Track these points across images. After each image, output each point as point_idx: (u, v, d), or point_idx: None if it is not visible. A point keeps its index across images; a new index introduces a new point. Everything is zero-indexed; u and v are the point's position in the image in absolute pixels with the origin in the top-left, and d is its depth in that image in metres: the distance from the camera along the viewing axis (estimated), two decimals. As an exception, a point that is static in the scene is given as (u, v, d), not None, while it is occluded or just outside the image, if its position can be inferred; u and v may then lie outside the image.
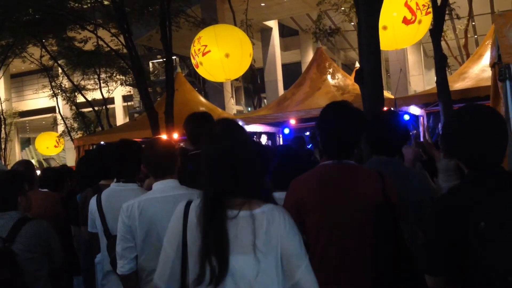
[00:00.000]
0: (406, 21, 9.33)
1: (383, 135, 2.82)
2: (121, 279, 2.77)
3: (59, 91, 19.98)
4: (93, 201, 3.15)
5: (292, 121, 11.48)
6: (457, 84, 9.77)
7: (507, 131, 1.85)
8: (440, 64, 8.23)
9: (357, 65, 14.39)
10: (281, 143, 13.05)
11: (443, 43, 8.87)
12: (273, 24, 23.11)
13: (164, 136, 10.92)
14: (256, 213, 1.80)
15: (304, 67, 23.38)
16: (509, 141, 2.98)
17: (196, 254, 1.82)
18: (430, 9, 9.09)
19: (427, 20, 9.41)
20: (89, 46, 16.66)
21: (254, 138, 12.30)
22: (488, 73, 8.23)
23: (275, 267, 1.77)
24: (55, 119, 23.95)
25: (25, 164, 4.41)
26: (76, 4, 13.46)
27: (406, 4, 9.24)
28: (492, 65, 4.02)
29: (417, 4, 9.40)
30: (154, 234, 2.67)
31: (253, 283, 1.74)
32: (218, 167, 1.84)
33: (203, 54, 11.31)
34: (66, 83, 20.14)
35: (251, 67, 13.87)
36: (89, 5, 13.75)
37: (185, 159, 3.16)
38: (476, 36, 24.22)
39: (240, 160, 1.84)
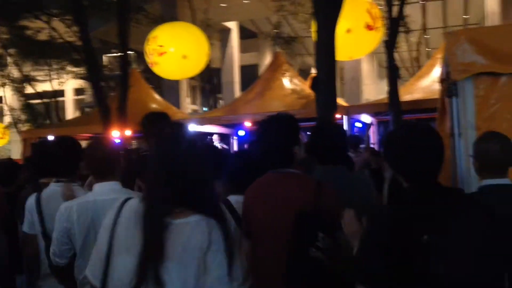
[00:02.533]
0: (369, 27, 9.51)
1: (325, 145, 2.93)
2: (58, 270, 2.72)
3: (7, 80, 19.25)
4: (31, 201, 3.02)
5: (247, 124, 11.51)
6: (407, 95, 10.07)
7: (443, 147, 1.92)
8: (392, 74, 8.47)
9: (313, 71, 14.60)
10: (236, 145, 13.07)
11: (395, 54, 9.11)
12: (232, 25, 23.12)
13: (115, 133, 10.73)
14: (181, 222, 1.81)
15: (261, 70, 23.51)
16: (456, 155, 3.09)
17: (123, 249, 1.83)
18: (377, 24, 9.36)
19: (381, 30, 9.64)
20: (42, 37, 16.13)
21: (208, 140, 12.27)
22: (438, 86, 8.52)
23: (196, 277, 1.78)
24: (1, 109, 23.09)
25: None
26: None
27: (368, 11, 9.40)
28: (441, 81, 4.17)
29: (376, 14, 9.62)
30: (92, 237, 2.59)
31: None
32: (162, 173, 1.84)
33: (160, 54, 11.15)
34: (15, 73, 19.43)
35: (208, 67, 13.82)
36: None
37: (131, 160, 3.11)
38: (428, 49, 25.04)
39: (185, 168, 1.85)
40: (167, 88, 18.99)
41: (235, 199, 2.78)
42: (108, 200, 2.58)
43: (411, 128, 1.99)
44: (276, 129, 2.55)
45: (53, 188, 3.03)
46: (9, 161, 5.38)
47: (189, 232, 1.80)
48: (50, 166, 3.05)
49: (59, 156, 3.03)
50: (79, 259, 2.64)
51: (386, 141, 2.04)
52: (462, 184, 3.39)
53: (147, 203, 1.86)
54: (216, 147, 7.90)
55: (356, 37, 9.36)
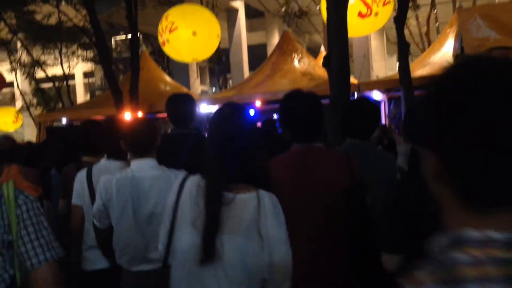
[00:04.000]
0: (361, 15, 9.48)
1: (357, 121, 2.99)
2: (100, 232, 2.88)
3: (18, 65, 19.37)
4: (82, 175, 3.19)
5: (258, 103, 11.57)
6: (418, 71, 10.05)
7: None
8: (403, 51, 8.45)
9: (322, 48, 14.56)
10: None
11: (405, 30, 9.09)
12: (239, 4, 22.97)
13: (128, 115, 10.84)
14: (246, 198, 1.91)
15: (269, 49, 23.38)
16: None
17: (186, 224, 1.93)
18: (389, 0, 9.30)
19: (385, 11, 9.57)
20: (52, 21, 16.18)
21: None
22: (449, 61, 8.52)
23: (260, 249, 1.87)
24: (13, 94, 23.29)
25: (6, 140, 4.37)
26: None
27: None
28: (455, 57, 4.21)
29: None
30: (130, 212, 2.74)
31: (240, 262, 1.85)
32: (223, 150, 1.93)
33: (170, 31, 11.18)
34: (25, 58, 19.53)
35: (217, 48, 13.82)
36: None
37: (164, 139, 3.23)
38: (437, 24, 24.76)
39: (245, 145, 1.94)
40: (177, 70, 19.03)
41: None
42: (146, 177, 2.73)
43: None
44: (307, 103, 2.57)
45: (104, 164, 3.23)
46: (33, 144, 5.52)
47: (250, 205, 1.91)
48: (97, 145, 3.20)
49: (108, 135, 3.18)
50: (116, 231, 2.77)
51: (405, 116, 2.13)
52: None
53: (209, 178, 1.96)
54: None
55: (350, 25, 9.39)
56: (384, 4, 9.43)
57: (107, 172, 3.08)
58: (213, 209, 1.88)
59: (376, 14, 9.59)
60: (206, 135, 2.09)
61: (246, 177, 1.96)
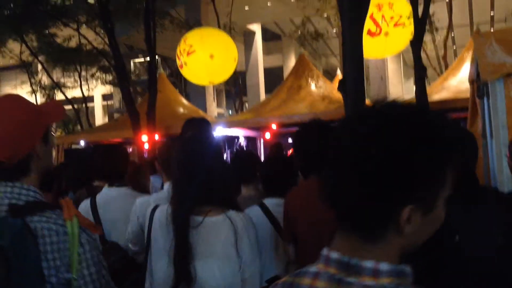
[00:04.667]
0: (370, 33, 9.49)
1: None
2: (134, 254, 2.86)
3: (38, 87, 19.74)
4: (85, 204, 3.11)
5: (274, 126, 11.57)
6: (435, 95, 9.99)
7: (476, 147, 1.98)
8: (420, 75, 8.40)
9: (338, 72, 14.57)
10: (262, 147, 13.15)
11: (422, 54, 9.06)
12: (256, 28, 23.20)
13: (145, 137, 10.92)
14: (216, 220, 1.92)
15: (286, 72, 23.51)
16: (489, 155, 3.09)
17: (159, 254, 1.96)
18: (402, 21, 9.30)
19: (396, 32, 9.55)
20: (72, 44, 16.53)
21: (236, 143, 12.40)
22: (466, 85, 8.45)
23: (238, 269, 1.90)
24: (33, 115, 23.62)
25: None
26: (58, 1, 13.35)
27: (371, 17, 9.37)
28: (471, 82, 4.18)
29: (383, 17, 9.57)
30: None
31: (217, 284, 1.87)
32: (186, 175, 1.96)
33: (188, 54, 11.32)
34: (45, 80, 19.91)
35: (234, 71, 13.95)
36: (71, 1, 13.66)
37: None
38: (455, 47, 24.70)
39: (210, 167, 1.96)
40: (194, 92, 19.20)
41: (272, 202, 2.86)
42: None
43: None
44: (319, 134, 2.55)
45: (107, 192, 3.13)
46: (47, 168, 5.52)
47: (221, 228, 1.92)
48: (109, 172, 3.17)
49: (113, 162, 3.16)
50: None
51: None
52: (495, 183, 3.40)
53: (174, 203, 1.98)
54: (251, 152, 7.99)
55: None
56: (396, 25, 9.41)
57: (112, 202, 3.03)
58: (180, 233, 1.89)
59: (386, 34, 9.57)
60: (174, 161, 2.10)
61: (212, 200, 1.98)
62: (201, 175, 1.95)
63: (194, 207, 1.93)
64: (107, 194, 3.12)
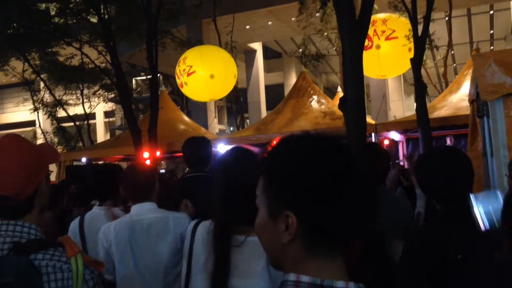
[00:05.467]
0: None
1: (368, 166, 2.95)
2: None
3: (40, 105, 19.83)
4: (75, 224, 3.15)
5: (275, 142, 11.59)
6: (436, 112, 10.05)
7: (472, 169, 2.02)
8: (420, 92, 8.47)
9: (339, 88, 14.66)
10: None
11: (422, 71, 9.14)
12: (257, 46, 23.39)
13: (146, 155, 10.95)
14: (257, 240, 1.92)
15: (287, 89, 23.64)
16: (490, 174, 3.10)
17: (199, 270, 1.97)
18: (395, 35, 9.40)
19: (388, 46, 9.66)
20: (74, 62, 16.65)
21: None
22: (466, 102, 8.51)
23: None
24: (35, 133, 23.77)
25: None
26: (61, 20, 13.48)
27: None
28: (471, 102, 4.22)
29: (375, 31, 9.70)
30: (129, 256, 2.72)
31: None
32: (229, 194, 1.95)
33: (188, 75, 11.42)
34: (48, 97, 20.01)
35: (235, 87, 14.03)
36: (74, 21, 13.79)
37: (164, 185, 3.22)
38: (455, 65, 24.84)
39: (251, 188, 1.97)
40: (195, 109, 19.28)
41: None
42: (144, 220, 2.73)
43: (440, 153, 2.10)
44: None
45: (96, 211, 3.17)
46: (53, 185, 5.55)
47: (261, 248, 1.92)
48: (100, 191, 3.19)
49: (102, 181, 3.18)
50: (119, 275, 2.75)
51: (417, 166, 2.15)
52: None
53: (216, 221, 1.99)
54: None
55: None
56: (388, 38, 9.50)
57: (97, 221, 3.06)
58: (221, 251, 1.90)
59: (378, 47, 9.67)
60: (213, 179, 2.11)
61: (253, 219, 1.98)
62: (243, 194, 1.96)
63: (236, 227, 1.94)
64: (94, 213, 3.16)
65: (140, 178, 2.86)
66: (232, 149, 2.17)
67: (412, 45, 9.55)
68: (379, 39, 9.62)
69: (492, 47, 23.78)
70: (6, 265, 1.41)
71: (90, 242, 3.04)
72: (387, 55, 9.89)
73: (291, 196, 0.97)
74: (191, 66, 11.36)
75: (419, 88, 8.44)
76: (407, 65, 10.05)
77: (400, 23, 9.68)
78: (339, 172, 0.95)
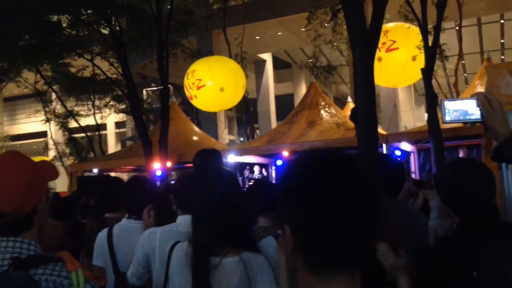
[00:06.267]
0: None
1: (382, 178, 2.90)
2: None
3: (52, 116, 19.99)
4: (103, 235, 3.14)
5: (285, 153, 11.60)
6: (447, 122, 9.97)
7: (494, 184, 1.98)
8: (431, 102, 8.44)
9: (349, 99, 14.64)
10: (274, 174, 13.15)
11: (433, 81, 9.10)
12: (267, 56, 23.47)
13: (157, 165, 10.97)
14: (232, 261, 1.94)
15: (296, 99, 23.66)
16: (505, 187, 3.07)
17: None
18: (395, 46, 9.38)
19: (389, 58, 9.63)
20: (86, 73, 16.81)
21: (247, 170, 12.41)
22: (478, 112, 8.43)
23: None
24: (46, 144, 23.94)
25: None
26: (73, 32, 13.63)
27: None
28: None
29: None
30: None
31: None
32: (207, 216, 1.98)
33: (198, 88, 11.49)
34: (59, 109, 20.18)
35: (245, 98, 14.07)
36: (86, 32, 13.93)
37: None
38: (465, 74, 24.72)
39: (229, 211, 1.99)
40: (205, 120, 19.34)
41: None
42: (189, 232, 2.72)
43: (463, 165, 2.06)
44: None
45: (125, 224, 3.15)
46: (66, 197, 5.58)
47: (236, 270, 1.93)
48: (129, 204, 3.19)
49: (135, 194, 3.17)
50: (157, 285, 2.74)
51: (438, 177, 2.11)
52: (511, 214, 3.37)
53: (194, 244, 2.00)
54: (267, 182, 7.98)
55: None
56: (388, 50, 9.46)
57: (127, 234, 3.05)
58: (199, 275, 1.91)
59: (380, 59, 9.63)
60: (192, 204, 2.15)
61: (229, 240, 2.00)
62: (215, 217, 1.99)
63: (212, 249, 1.95)
64: (124, 226, 3.14)
65: (190, 188, 2.85)
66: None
67: (416, 53, 9.57)
68: (379, 51, 9.60)
69: (503, 57, 23.65)
70: (5, 281, 1.41)
71: (120, 255, 3.02)
72: (389, 67, 9.86)
73: (284, 210, 1.01)
74: (200, 80, 11.42)
75: (430, 98, 8.40)
76: (415, 75, 10.04)
77: (400, 33, 9.65)
78: (328, 188, 0.96)
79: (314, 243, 0.96)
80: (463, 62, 19.44)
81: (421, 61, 9.37)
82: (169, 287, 2.07)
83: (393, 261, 1.97)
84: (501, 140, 1.52)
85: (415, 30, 9.68)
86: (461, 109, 1.62)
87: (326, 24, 11.75)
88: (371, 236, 0.99)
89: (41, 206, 1.61)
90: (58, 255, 1.57)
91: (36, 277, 1.46)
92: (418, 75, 9.86)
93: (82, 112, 19.66)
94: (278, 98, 24.85)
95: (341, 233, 0.95)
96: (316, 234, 0.96)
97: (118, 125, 30.17)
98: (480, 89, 9.39)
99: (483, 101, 1.57)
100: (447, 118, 1.62)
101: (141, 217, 3.13)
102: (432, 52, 8.53)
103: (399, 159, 10.38)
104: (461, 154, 10.29)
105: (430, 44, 8.52)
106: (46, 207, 1.66)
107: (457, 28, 16.22)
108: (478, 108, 1.60)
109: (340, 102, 24.54)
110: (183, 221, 2.79)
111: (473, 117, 1.61)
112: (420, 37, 8.98)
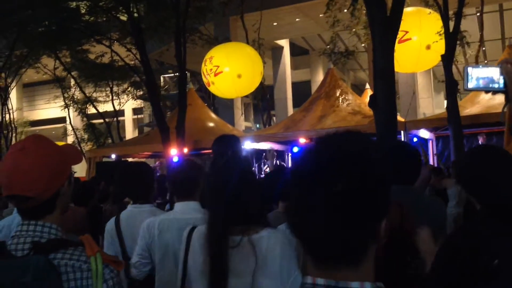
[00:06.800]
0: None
1: (399, 165, 2.87)
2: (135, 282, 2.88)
3: (71, 102, 20.20)
4: (110, 224, 3.17)
5: (302, 140, 11.57)
6: (467, 109, 9.86)
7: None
8: (451, 89, 8.34)
9: (367, 86, 14.51)
10: (291, 161, 13.14)
11: (453, 68, 8.98)
12: (284, 43, 23.31)
13: (174, 151, 11.04)
14: (255, 238, 1.94)
15: (314, 86, 23.52)
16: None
17: (197, 276, 2.01)
18: (408, 36, 9.23)
19: (401, 48, 9.41)
20: (104, 60, 16.91)
21: (263, 157, 12.42)
22: (498, 100, 8.31)
23: (280, 285, 1.92)
24: (65, 129, 24.23)
25: None
26: (91, 18, 13.69)
27: None
28: (507, 100, 4.11)
29: None
30: (171, 255, 2.74)
31: None
32: (221, 196, 1.99)
33: (215, 75, 11.47)
34: (78, 95, 20.37)
35: (262, 84, 14.02)
36: (104, 19, 13.99)
37: None
38: (486, 61, 24.30)
39: (243, 190, 2.00)
40: (222, 106, 19.35)
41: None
42: (190, 219, 2.73)
43: (485, 152, 2.04)
44: None
45: (131, 210, 3.18)
46: (86, 182, 5.65)
47: (262, 246, 1.93)
48: (132, 190, 3.22)
49: (140, 180, 3.20)
50: (159, 272, 2.78)
51: (459, 166, 2.09)
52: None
53: (209, 225, 2.02)
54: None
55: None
56: (401, 41, 9.25)
57: (133, 219, 3.08)
58: (214, 253, 1.93)
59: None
60: (205, 184, 2.17)
61: (248, 220, 2.01)
62: (229, 197, 2.00)
63: (228, 228, 1.96)
64: (130, 212, 3.17)
65: (185, 175, 2.88)
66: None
67: (430, 42, 9.41)
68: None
69: (525, 43, 23.17)
70: (24, 264, 1.42)
71: (128, 240, 3.04)
72: (404, 57, 9.69)
73: None
74: (218, 66, 11.40)
75: (450, 85, 8.30)
76: (431, 61, 9.90)
77: (412, 23, 9.45)
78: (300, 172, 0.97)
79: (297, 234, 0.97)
80: (483, 48, 19.08)
81: (437, 49, 9.23)
82: (191, 270, 2.08)
83: (428, 246, 1.97)
84: None
85: (427, 18, 9.52)
86: (485, 76, 1.56)
87: (345, 10, 11.61)
88: (362, 227, 0.93)
89: (63, 190, 1.61)
90: (79, 239, 1.57)
91: (55, 261, 1.47)
92: (435, 61, 9.73)
93: (100, 98, 19.85)
94: (295, 85, 24.71)
95: (319, 224, 0.92)
96: (295, 222, 0.96)
97: (136, 111, 30.34)
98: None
99: (507, 69, 1.50)
100: (470, 85, 1.56)
101: (148, 201, 3.17)
102: (453, 38, 8.40)
103: (415, 146, 10.29)
104: (480, 141, 10.18)
105: (450, 30, 8.39)
106: (69, 191, 1.66)
107: (478, 14, 15.90)
108: (501, 77, 1.53)
109: (358, 89, 24.33)
110: (182, 208, 2.82)
111: (496, 85, 1.54)
112: (434, 25, 8.85)
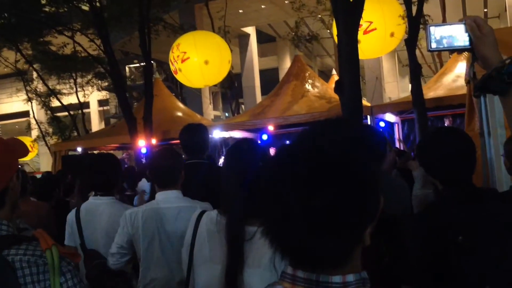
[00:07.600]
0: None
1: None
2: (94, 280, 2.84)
3: (33, 95, 19.70)
4: (71, 215, 3.14)
5: (271, 128, 11.60)
6: (431, 92, 10.04)
7: (474, 150, 2.02)
8: (415, 73, 8.47)
9: (334, 71, 14.62)
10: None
11: (417, 51, 9.11)
12: (250, 30, 23.25)
13: (142, 143, 10.91)
14: None
15: (281, 73, 23.56)
16: (485, 154, 3.10)
17: (204, 260, 2.01)
18: (372, 27, 9.33)
19: (368, 39, 9.52)
20: (67, 51, 16.52)
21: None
22: (461, 82, 8.49)
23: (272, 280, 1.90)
24: (29, 123, 23.65)
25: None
26: (52, 9, 13.34)
27: None
28: (467, 82, 4.20)
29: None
30: (156, 244, 2.73)
31: None
32: (242, 186, 1.94)
33: (182, 61, 11.35)
34: (41, 87, 19.88)
35: (229, 73, 13.96)
36: (65, 9, 13.64)
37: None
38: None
39: (256, 178, 1.96)
40: (190, 96, 19.22)
41: None
42: (173, 208, 2.72)
43: (443, 134, 2.10)
44: None
45: (92, 202, 3.15)
46: (48, 175, 5.55)
47: None
48: (94, 181, 3.17)
49: (101, 173, 3.14)
50: (144, 263, 2.76)
51: (419, 147, 2.14)
52: (494, 183, 3.42)
53: (231, 215, 1.97)
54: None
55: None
56: (366, 32, 9.33)
57: (92, 210, 3.05)
58: (237, 245, 1.90)
59: (358, 41, 9.57)
60: (223, 170, 2.10)
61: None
62: (249, 185, 1.95)
63: (247, 218, 1.93)
64: (91, 203, 3.13)
65: (165, 164, 2.84)
66: (242, 141, 2.17)
67: (393, 30, 9.53)
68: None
69: (486, 26, 23.63)
70: None
71: (87, 232, 3.02)
72: (369, 46, 9.78)
73: None
74: (185, 53, 11.28)
75: (414, 69, 8.43)
76: (395, 43, 10.05)
77: (375, 11, 9.50)
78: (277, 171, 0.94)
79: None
80: (446, 32, 19.44)
81: (400, 36, 9.34)
82: (197, 254, 2.07)
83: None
84: (491, 70, 1.37)
85: (389, 4, 9.60)
86: (448, 35, 1.49)
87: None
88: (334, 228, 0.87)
89: (12, 184, 1.57)
90: (32, 234, 1.53)
91: (9, 257, 1.43)
92: (398, 43, 9.86)
93: (64, 91, 19.39)
94: (262, 72, 24.72)
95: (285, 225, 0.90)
96: (273, 231, 0.96)
97: (101, 103, 29.80)
98: (464, 59, 9.44)
99: (472, 25, 1.40)
100: (433, 45, 1.47)
101: (110, 194, 3.12)
102: (416, 22, 8.52)
103: (380, 130, 10.45)
104: (446, 124, 10.40)
105: (413, 14, 8.50)
106: (17, 186, 1.61)
107: (440, -2, 16.17)
108: (466, 34, 1.47)
109: (325, 75, 24.50)
110: (164, 197, 2.80)
111: (461, 44, 1.48)
112: (396, 10, 8.95)
